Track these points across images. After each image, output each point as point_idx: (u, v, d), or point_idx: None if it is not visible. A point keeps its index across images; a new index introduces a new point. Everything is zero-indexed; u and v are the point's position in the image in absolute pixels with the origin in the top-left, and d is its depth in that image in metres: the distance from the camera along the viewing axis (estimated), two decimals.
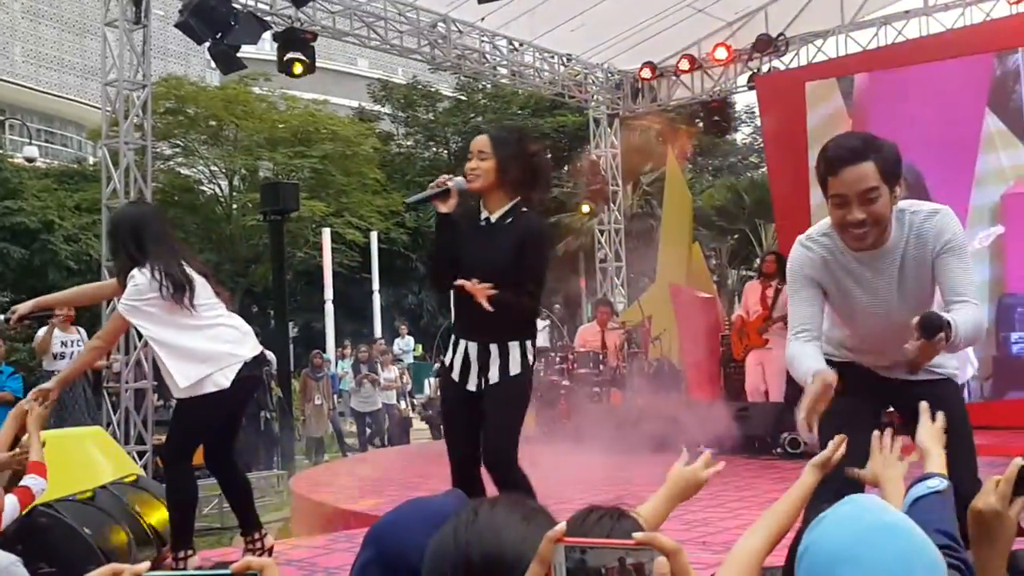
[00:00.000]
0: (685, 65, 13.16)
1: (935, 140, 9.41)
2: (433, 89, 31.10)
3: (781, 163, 11.13)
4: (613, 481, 6.62)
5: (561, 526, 1.11)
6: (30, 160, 22.70)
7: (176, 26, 9.27)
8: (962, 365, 3.34)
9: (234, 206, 24.59)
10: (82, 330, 9.08)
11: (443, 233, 3.73)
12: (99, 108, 11.21)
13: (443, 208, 3.65)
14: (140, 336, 7.43)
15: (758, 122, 20.71)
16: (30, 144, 23.39)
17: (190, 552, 4.11)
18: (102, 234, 9.55)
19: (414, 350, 19.97)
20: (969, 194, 9.46)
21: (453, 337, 3.80)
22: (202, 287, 4.12)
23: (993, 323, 9.08)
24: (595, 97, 14.36)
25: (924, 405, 2.19)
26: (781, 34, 12.21)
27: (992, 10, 11.19)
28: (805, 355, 2.78)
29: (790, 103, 10.68)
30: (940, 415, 2.15)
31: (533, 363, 3.76)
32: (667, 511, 2.07)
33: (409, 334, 20.24)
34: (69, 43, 44.57)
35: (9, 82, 38.35)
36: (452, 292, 3.73)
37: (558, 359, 10.47)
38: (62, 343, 8.70)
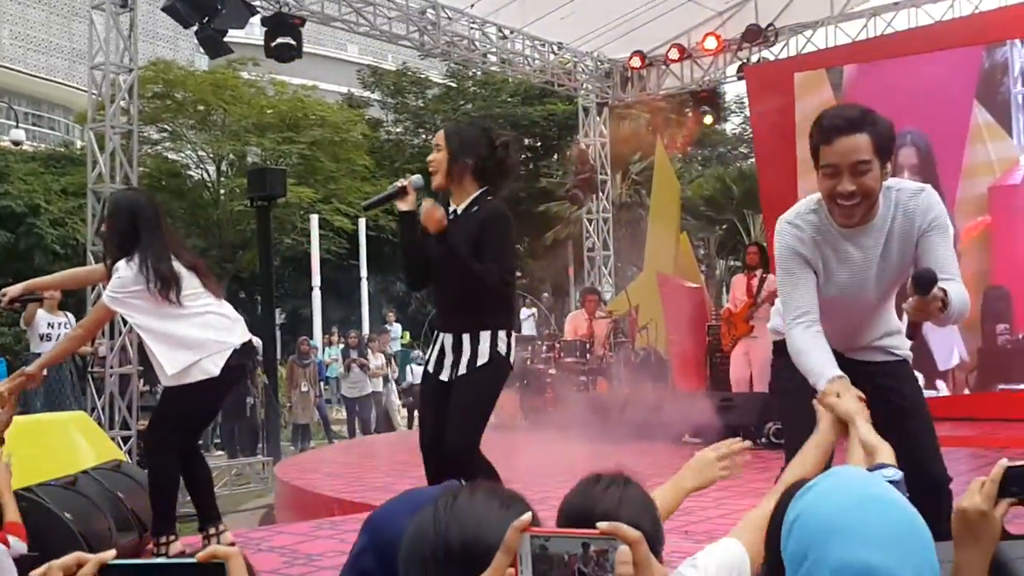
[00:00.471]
0: (675, 54, 13.14)
1: (924, 132, 9.45)
2: (423, 76, 30.99)
3: (769, 153, 11.15)
4: (597, 470, 6.63)
5: (526, 516, 1.11)
6: (16, 143, 22.55)
7: (163, 10, 9.21)
8: (947, 354, 3.37)
9: (221, 191, 24.48)
10: (70, 315, 9.06)
11: (406, 231, 3.80)
12: (87, 92, 11.12)
13: (403, 206, 3.73)
14: (125, 322, 7.40)
15: (748, 112, 20.71)
16: (17, 127, 23.22)
17: (172, 537, 4.10)
18: (88, 218, 9.49)
19: (401, 337, 19.96)
20: (957, 185, 9.50)
21: (435, 331, 3.86)
22: (189, 278, 4.10)
23: (979, 315, 9.13)
24: (584, 86, 14.34)
25: (862, 407, 2.32)
26: (770, 24, 12.21)
27: (981, 3, 11.21)
28: (816, 350, 2.72)
29: (779, 94, 10.69)
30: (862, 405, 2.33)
31: (508, 353, 3.75)
32: (677, 500, 2.12)
33: (397, 321, 20.22)
34: (57, 26, 44.25)
35: None
36: (432, 286, 3.81)
37: (545, 347, 10.49)
38: (49, 324, 8.68)
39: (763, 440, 8.03)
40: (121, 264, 4.00)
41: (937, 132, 9.58)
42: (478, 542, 1.19)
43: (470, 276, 3.63)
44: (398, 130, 31.80)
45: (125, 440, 8.58)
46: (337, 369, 15.07)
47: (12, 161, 22.23)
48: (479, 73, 26.10)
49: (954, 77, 9.65)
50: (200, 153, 24.50)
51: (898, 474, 1.81)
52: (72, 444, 5.00)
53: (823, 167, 2.68)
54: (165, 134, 23.82)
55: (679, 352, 10.13)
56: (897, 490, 1.56)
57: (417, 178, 3.75)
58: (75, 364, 8.59)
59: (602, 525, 1.10)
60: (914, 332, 2.64)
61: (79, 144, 29.19)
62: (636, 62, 13.53)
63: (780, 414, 3.19)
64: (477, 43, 12.78)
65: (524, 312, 14.32)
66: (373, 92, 31.86)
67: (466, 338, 3.70)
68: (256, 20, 10.16)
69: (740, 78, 12.96)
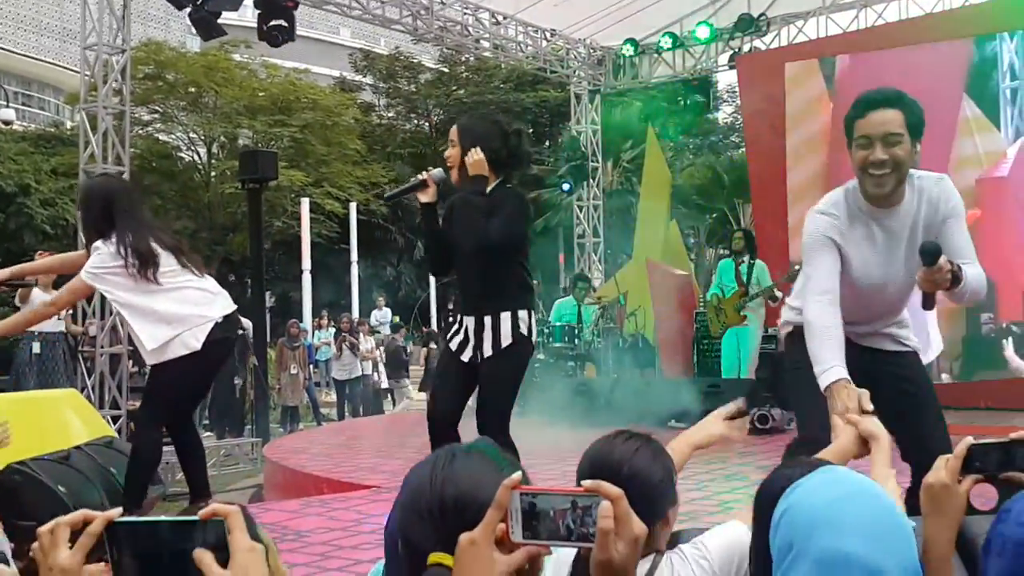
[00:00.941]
0: (667, 43, 13.18)
1: None
2: (415, 61, 30.95)
3: (759, 143, 11.22)
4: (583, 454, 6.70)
5: (516, 475, 1.18)
6: (7, 123, 22.45)
7: None
8: (924, 346, 3.45)
9: (212, 174, 24.46)
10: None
11: (428, 222, 4.01)
12: (77, 72, 11.11)
13: (424, 198, 3.91)
14: None
15: (739, 101, 20.76)
16: (7, 107, 23.11)
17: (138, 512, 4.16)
18: (79, 198, 9.50)
19: (391, 322, 20.00)
20: None
21: (458, 316, 4.07)
22: (167, 257, 4.14)
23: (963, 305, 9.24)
24: (577, 73, 14.37)
25: (886, 434, 2.33)
26: (762, 14, 12.24)
27: None
28: (830, 338, 2.76)
29: (770, 83, 10.75)
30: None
31: (530, 333, 3.93)
32: (684, 455, 2.22)
33: (387, 305, 20.26)
34: (47, 5, 43.97)
35: None
36: (456, 273, 4.05)
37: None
38: (43, 304, 8.68)
39: (748, 426, 8.13)
40: (100, 243, 4.06)
41: (927, 124, 9.65)
42: (471, 499, 1.26)
43: (490, 259, 3.82)
44: (390, 114, 31.77)
45: (115, 419, 8.62)
46: (328, 352, 15.12)
47: (2, 141, 22.14)
48: (472, 59, 26.08)
49: (943, 70, 9.72)
50: (191, 135, 24.46)
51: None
52: (64, 421, 5.06)
53: (857, 139, 2.80)
54: (156, 115, 23.77)
55: (667, 338, 10.20)
56: None
57: (438, 171, 3.93)
58: (67, 344, 8.61)
59: (586, 483, 1.18)
60: (928, 302, 2.71)
61: (69, 124, 29.07)
62: (628, 50, 13.56)
63: (793, 398, 3.29)
64: (470, 28, 12.79)
65: None
66: (365, 76, 31.81)
67: (488, 320, 3.86)
68: (249, 2, 10.15)
69: (732, 67, 13.01)
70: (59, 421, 5.02)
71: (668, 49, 13.30)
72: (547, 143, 27.63)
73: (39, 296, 8.67)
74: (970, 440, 1.66)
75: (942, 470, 1.64)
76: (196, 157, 25.04)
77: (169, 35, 33.75)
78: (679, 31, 13.12)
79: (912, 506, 1.76)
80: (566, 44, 13.94)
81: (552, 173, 19.98)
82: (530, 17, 12.91)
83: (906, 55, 9.86)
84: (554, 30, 13.41)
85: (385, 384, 15.44)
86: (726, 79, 22.83)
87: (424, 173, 3.94)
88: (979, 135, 9.67)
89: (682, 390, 8.19)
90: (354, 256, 21.20)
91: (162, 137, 24.57)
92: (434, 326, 20.77)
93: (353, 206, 22.34)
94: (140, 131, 22.50)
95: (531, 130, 28.13)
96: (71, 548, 1.22)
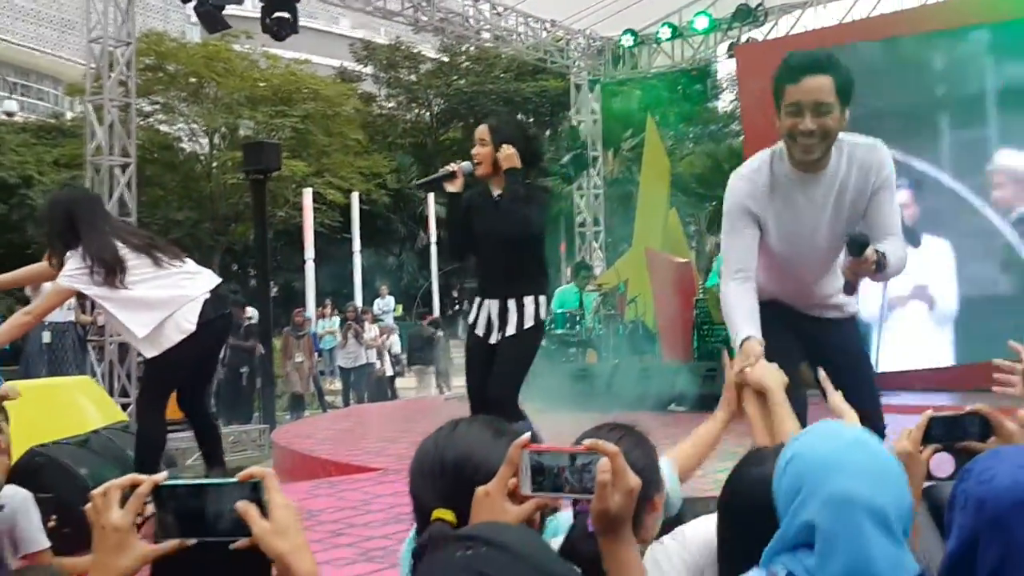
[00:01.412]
0: (666, 33, 13.29)
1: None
2: (416, 50, 31.00)
3: (758, 133, 11.30)
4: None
5: (526, 435, 1.35)
6: (9, 114, 22.56)
7: None
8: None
9: (214, 164, 24.55)
10: None
11: (453, 210, 4.35)
12: (76, 62, 11.24)
13: (451, 188, 4.24)
14: None
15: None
16: (9, 99, 23.22)
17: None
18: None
19: (394, 310, 20.14)
20: None
21: (477, 298, 4.40)
22: (136, 259, 4.15)
23: None
24: (577, 63, 14.48)
25: (823, 374, 2.43)
26: (760, 4, 12.36)
27: None
28: (740, 308, 2.82)
29: (768, 74, 10.79)
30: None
31: (545, 318, 4.28)
32: (695, 457, 2.34)
33: (390, 294, 20.39)
34: None
35: None
36: (475, 257, 4.38)
37: None
38: (22, 313, 8.79)
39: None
40: (70, 252, 4.13)
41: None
42: (468, 461, 1.45)
43: (518, 246, 4.17)
44: (390, 104, 31.83)
45: (124, 407, 8.75)
46: (332, 341, 15.28)
47: (4, 132, 22.25)
48: (472, 48, 26.15)
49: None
50: (192, 126, 24.55)
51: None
52: (79, 406, 5.19)
53: (787, 106, 2.78)
54: (157, 106, 23.84)
55: (666, 324, 10.33)
56: None
57: (467, 164, 4.24)
58: (76, 333, 8.77)
59: (586, 442, 1.35)
60: (849, 288, 2.79)
61: (69, 115, 29.16)
62: (628, 40, 13.68)
63: None
64: (471, 19, 12.91)
65: None
66: (366, 66, 31.84)
67: (511, 303, 4.21)
68: None
69: (730, 57, 13.12)
70: (75, 407, 5.15)
71: (667, 39, 13.44)
72: (548, 132, 27.71)
73: (47, 288, 8.82)
74: (930, 413, 1.87)
75: (905, 439, 1.86)
76: (198, 148, 25.14)
77: (169, 25, 33.80)
78: (678, 21, 13.24)
79: None
80: (566, 34, 14.05)
81: (553, 162, 20.09)
82: (530, 8, 13.02)
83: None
84: (554, 20, 13.53)
85: (390, 372, 15.59)
86: (726, 67, 22.94)
87: (454, 165, 4.25)
88: None
89: (681, 374, 8.33)
90: (356, 245, 21.32)
91: (163, 128, 24.66)
92: (437, 313, 20.89)
93: (355, 196, 22.46)
94: (142, 122, 22.56)
95: (531, 119, 28.22)
96: (122, 509, 1.36)
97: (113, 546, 1.33)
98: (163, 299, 4.13)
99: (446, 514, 1.37)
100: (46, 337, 8.48)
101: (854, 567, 1.38)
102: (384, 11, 11.86)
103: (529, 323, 4.21)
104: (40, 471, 4.01)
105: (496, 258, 4.28)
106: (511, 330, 4.21)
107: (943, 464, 1.85)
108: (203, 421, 4.49)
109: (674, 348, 10.02)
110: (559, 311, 10.54)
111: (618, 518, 1.34)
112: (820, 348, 3.10)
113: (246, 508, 1.28)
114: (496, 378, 4.20)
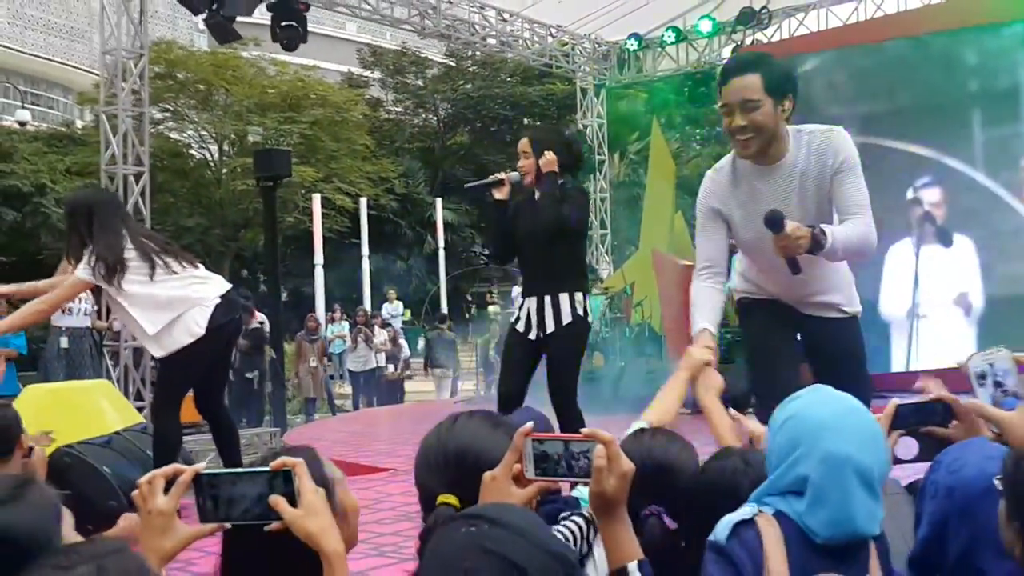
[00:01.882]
0: (670, 37, 13.41)
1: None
2: (422, 55, 31.15)
3: None
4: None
5: (529, 424, 1.50)
6: (22, 124, 22.76)
7: None
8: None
9: (224, 171, 24.71)
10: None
11: (499, 216, 4.63)
12: (86, 71, 11.39)
13: (498, 195, 4.54)
14: None
15: None
16: (22, 108, 23.43)
17: None
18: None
19: (403, 315, 20.28)
20: None
21: (520, 299, 4.68)
22: (140, 263, 4.28)
23: None
24: (582, 67, 14.62)
25: (697, 363, 2.69)
26: (764, 7, 12.46)
27: None
28: (702, 306, 2.99)
29: None
30: None
31: (585, 313, 4.48)
32: (674, 402, 2.59)
33: (398, 299, 20.54)
34: (55, 4, 44.23)
35: None
36: (517, 258, 4.66)
37: None
38: (39, 301, 8.92)
39: (751, 409, 8.37)
40: (86, 249, 4.31)
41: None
42: (468, 451, 1.60)
43: (558, 244, 4.40)
44: (398, 109, 31.97)
45: (139, 410, 8.88)
46: (342, 345, 15.43)
47: (17, 141, 22.45)
48: (478, 53, 26.29)
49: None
50: (202, 133, 24.71)
51: None
52: (100, 408, 5.34)
53: (722, 107, 2.92)
54: (167, 114, 24.00)
55: (672, 327, 10.42)
56: None
57: (515, 174, 4.54)
58: (93, 339, 8.93)
59: (584, 431, 1.49)
60: (793, 266, 2.85)
61: (80, 124, 29.36)
62: (633, 44, 13.81)
63: (748, 364, 3.43)
64: (477, 26, 13.04)
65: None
66: (373, 72, 31.99)
67: (548, 300, 4.45)
68: None
69: None
70: (96, 409, 5.30)
71: (671, 43, 13.56)
72: None
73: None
74: (896, 401, 2.03)
75: None
76: (207, 155, 25.30)
77: (177, 33, 34.00)
78: (682, 25, 13.36)
79: None
80: (571, 40, 14.19)
81: None
82: (535, 14, 13.15)
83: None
84: (559, 26, 13.65)
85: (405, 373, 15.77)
86: None
87: (503, 173, 4.57)
88: None
89: None
90: (365, 250, 21.47)
91: (173, 135, 24.83)
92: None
93: (363, 201, 22.60)
94: (151, 130, 22.66)
95: (538, 123, 28.33)
96: (166, 495, 1.51)
97: (159, 529, 1.48)
98: (174, 299, 4.27)
99: (450, 499, 1.53)
100: (64, 342, 8.64)
101: (839, 516, 1.59)
102: (391, 19, 12.00)
103: (567, 319, 4.41)
104: (68, 470, 4.17)
105: (534, 256, 4.54)
106: (551, 327, 4.43)
107: (909, 447, 2.00)
108: (221, 423, 4.63)
109: (680, 351, 10.05)
110: None
111: (613, 500, 1.48)
112: (819, 347, 3.22)
113: (276, 501, 1.43)
114: (554, 390, 4.42)
